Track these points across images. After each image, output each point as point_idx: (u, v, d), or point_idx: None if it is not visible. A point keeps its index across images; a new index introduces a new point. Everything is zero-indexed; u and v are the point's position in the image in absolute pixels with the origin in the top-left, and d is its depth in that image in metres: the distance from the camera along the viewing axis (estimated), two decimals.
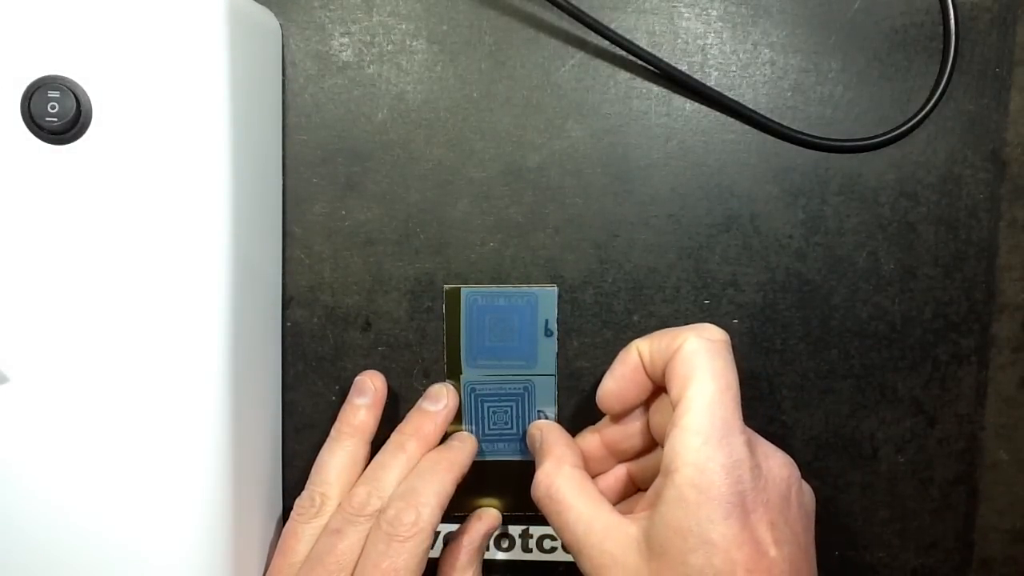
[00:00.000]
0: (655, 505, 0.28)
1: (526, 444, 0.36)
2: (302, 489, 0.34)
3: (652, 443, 0.33)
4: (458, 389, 0.36)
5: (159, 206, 0.29)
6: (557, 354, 0.36)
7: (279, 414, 0.36)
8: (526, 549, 0.37)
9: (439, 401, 0.35)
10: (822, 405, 0.37)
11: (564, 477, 0.31)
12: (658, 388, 0.32)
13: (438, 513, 0.31)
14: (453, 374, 0.36)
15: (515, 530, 0.37)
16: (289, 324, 0.36)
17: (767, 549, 0.27)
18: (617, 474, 0.34)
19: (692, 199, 0.36)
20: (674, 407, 0.29)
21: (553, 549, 0.37)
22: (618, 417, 0.33)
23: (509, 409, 0.36)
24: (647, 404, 0.33)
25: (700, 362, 0.29)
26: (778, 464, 0.29)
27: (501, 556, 0.37)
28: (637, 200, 0.36)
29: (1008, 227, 0.36)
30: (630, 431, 0.33)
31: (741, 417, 0.28)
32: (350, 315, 0.36)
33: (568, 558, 0.37)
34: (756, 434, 0.29)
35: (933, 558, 0.37)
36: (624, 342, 0.36)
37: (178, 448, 0.30)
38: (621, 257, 0.36)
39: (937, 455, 0.37)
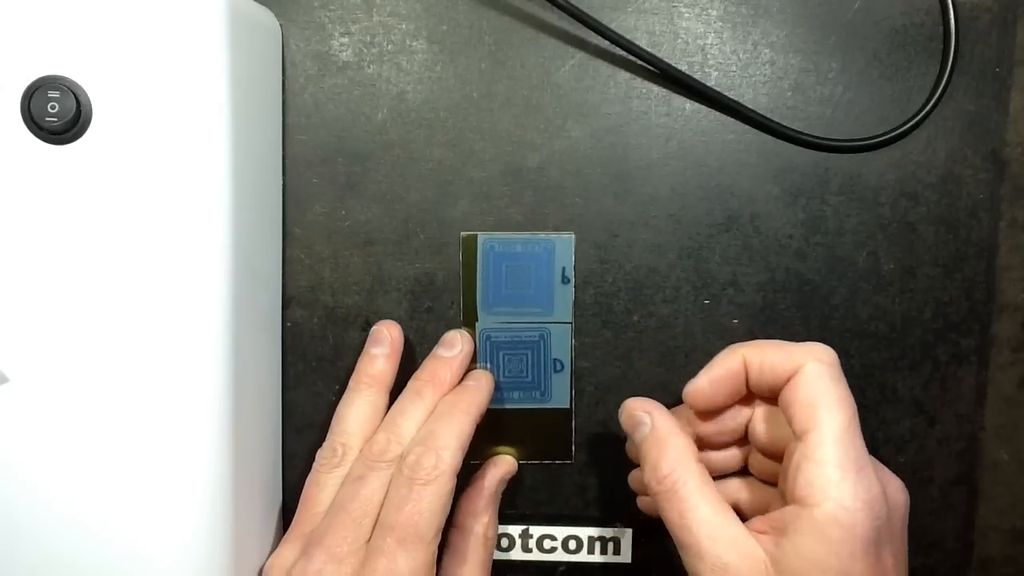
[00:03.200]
0: (786, 533, 0.27)
1: (537, 394, 0.36)
2: (302, 489, 0.34)
3: (743, 439, 0.32)
4: (473, 336, 0.36)
5: (159, 206, 0.29)
6: (574, 302, 0.36)
7: (279, 414, 0.36)
8: (526, 549, 0.37)
9: (454, 347, 0.35)
10: None
11: (691, 474, 0.30)
12: (750, 394, 0.32)
13: (459, 455, 0.31)
14: (468, 321, 0.36)
15: (515, 530, 0.37)
16: (289, 324, 0.36)
17: None
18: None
19: (692, 199, 0.36)
20: (799, 435, 0.28)
21: (553, 549, 0.37)
22: (705, 415, 0.32)
23: (524, 357, 0.36)
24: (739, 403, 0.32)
25: (824, 389, 0.28)
26: (896, 490, 0.29)
27: (501, 556, 0.37)
28: (637, 200, 0.36)
29: (1008, 227, 0.36)
30: (727, 432, 0.32)
31: (863, 443, 0.28)
32: (350, 315, 0.36)
33: (568, 558, 0.37)
34: (874, 458, 0.29)
35: (933, 558, 0.37)
36: (624, 342, 0.36)
37: (178, 448, 0.30)
38: (621, 257, 0.36)
39: (937, 455, 0.37)
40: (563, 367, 0.36)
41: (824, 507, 0.27)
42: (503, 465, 0.36)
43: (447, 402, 0.33)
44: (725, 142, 0.36)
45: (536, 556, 0.37)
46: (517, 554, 0.37)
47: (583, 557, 0.37)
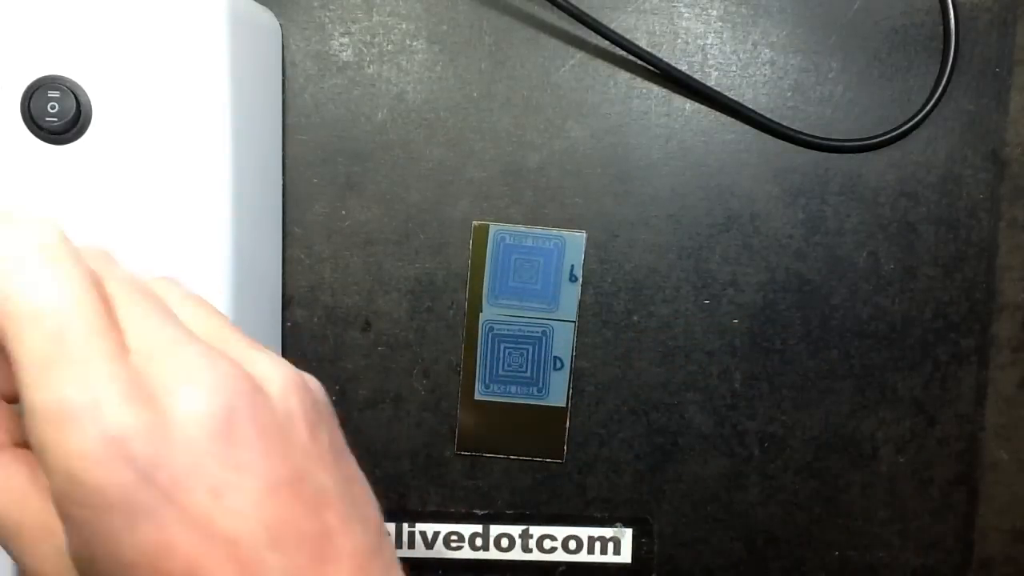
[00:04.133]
0: None
1: (534, 390, 0.36)
2: None
3: None
4: (476, 326, 0.36)
5: (159, 206, 0.29)
6: (579, 301, 0.36)
7: None
8: (526, 549, 0.37)
9: None
10: (822, 405, 0.37)
11: None
12: None
13: None
14: (473, 311, 0.36)
15: (515, 530, 0.37)
16: (289, 324, 0.36)
17: None
18: None
19: (692, 199, 0.36)
20: None
21: (553, 549, 0.37)
22: None
23: (525, 352, 0.36)
24: None
25: None
26: None
27: (501, 556, 0.37)
28: (637, 200, 0.36)
29: (1008, 227, 0.36)
30: None
31: None
32: (350, 315, 0.36)
33: (568, 558, 0.37)
34: None
35: (933, 558, 0.37)
36: (624, 342, 0.36)
37: None
38: (621, 257, 0.36)
39: (937, 455, 0.37)
40: (563, 365, 0.36)
41: None
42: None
43: None
44: (725, 142, 0.36)
45: (536, 556, 0.37)
46: (517, 554, 0.37)
47: (583, 557, 0.37)
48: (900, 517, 0.37)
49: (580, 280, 0.36)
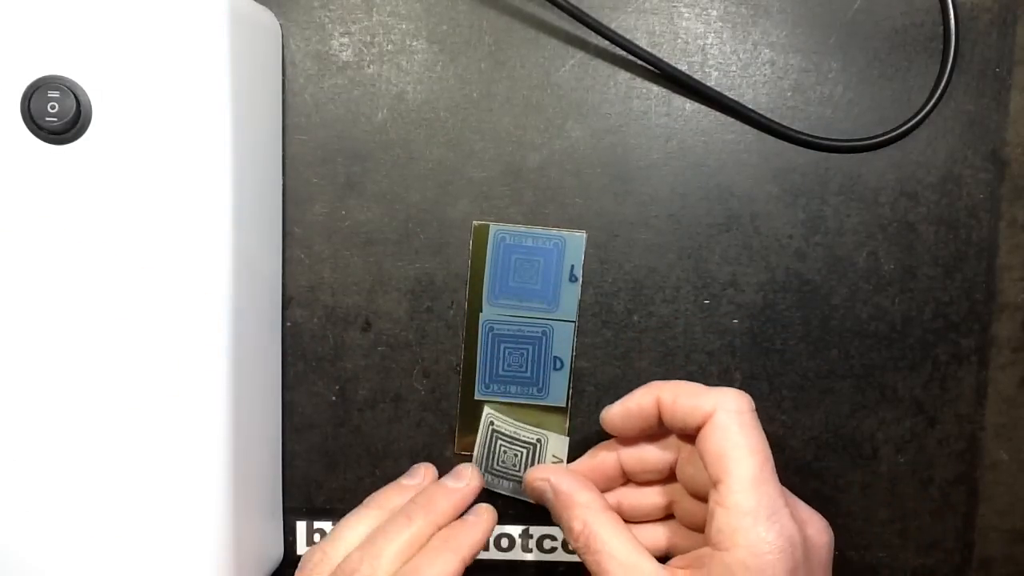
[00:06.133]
0: (701, 573, 0.28)
1: (534, 390, 0.36)
2: (302, 489, 0.34)
3: (670, 476, 0.33)
4: (476, 326, 0.36)
5: (159, 206, 0.29)
6: (579, 301, 0.36)
7: (279, 414, 0.36)
8: (526, 549, 0.37)
9: (460, 479, 0.34)
10: (822, 405, 0.37)
11: (601, 524, 0.30)
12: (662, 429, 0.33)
13: None
14: (473, 311, 0.36)
15: (515, 530, 0.37)
16: (289, 324, 0.36)
17: None
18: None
19: (692, 199, 0.36)
20: (714, 482, 0.29)
21: (553, 549, 0.37)
22: (626, 442, 0.34)
23: (525, 351, 0.36)
24: (653, 439, 0.33)
25: (735, 438, 0.29)
26: (817, 530, 0.30)
27: (501, 556, 0.37)
28: (637, 200, 0.36)
29: (1008, 227, 0.36)
30: (651, 469, 0.33)
31: (779, 486, 0.29)
32: (350, 315, 0.36)
33: (568, 558, 0.37)
34: (792, 496, 0.30)
35: (933, 558, 0.37)
36: (624, 342, 0.36)
37: (178, 448, 0.30)
38: (621, 257, 0.36)
39: (937, 455, 0.37)
40: (563, 365, 0.36)
41: (735, 553, 0.27)
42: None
43: (441, 536, 0.32)
44: (725, 142, 0.36)
45: (536, 556, 0.37)
46: (517, 554, 0.37)
47: None
48: (900, 517, 0.37)
49: (580, 280, 0.36)
